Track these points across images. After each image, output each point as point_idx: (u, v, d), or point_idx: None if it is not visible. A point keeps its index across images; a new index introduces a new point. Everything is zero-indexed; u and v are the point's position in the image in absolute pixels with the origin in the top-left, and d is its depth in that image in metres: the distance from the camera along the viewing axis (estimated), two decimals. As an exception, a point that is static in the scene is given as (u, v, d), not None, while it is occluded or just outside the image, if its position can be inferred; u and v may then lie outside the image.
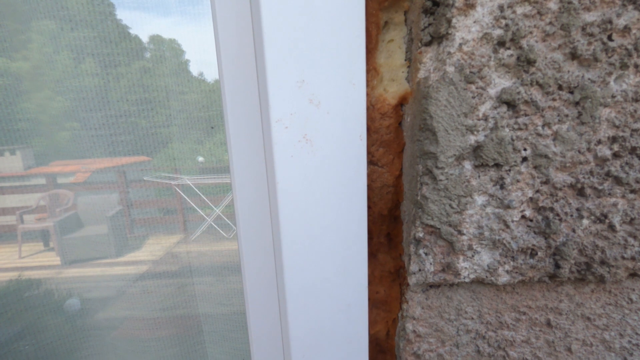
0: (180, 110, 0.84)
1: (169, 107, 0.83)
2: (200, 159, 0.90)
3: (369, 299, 0.53)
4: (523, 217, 0.43)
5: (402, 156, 0.48)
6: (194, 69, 0.83)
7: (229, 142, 0.49)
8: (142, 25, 0.77)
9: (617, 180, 0.41)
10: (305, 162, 0.42)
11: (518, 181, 0.42)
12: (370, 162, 0.47)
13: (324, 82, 0.40)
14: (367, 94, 0.45)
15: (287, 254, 0.44)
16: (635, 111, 0.39)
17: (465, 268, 0.45)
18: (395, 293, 0.53)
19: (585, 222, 0.43)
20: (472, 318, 0.50)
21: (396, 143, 0.47)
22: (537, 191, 0.42)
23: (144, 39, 0.80)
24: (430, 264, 0.45)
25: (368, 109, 0.45)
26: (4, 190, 0.83)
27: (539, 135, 0.40)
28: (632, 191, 0.41)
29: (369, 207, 0.49)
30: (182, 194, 0.96)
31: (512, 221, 0.43)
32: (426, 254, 0.45)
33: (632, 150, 0.40)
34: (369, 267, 0.52)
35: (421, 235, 0.44)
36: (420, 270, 0.46)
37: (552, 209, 0.43)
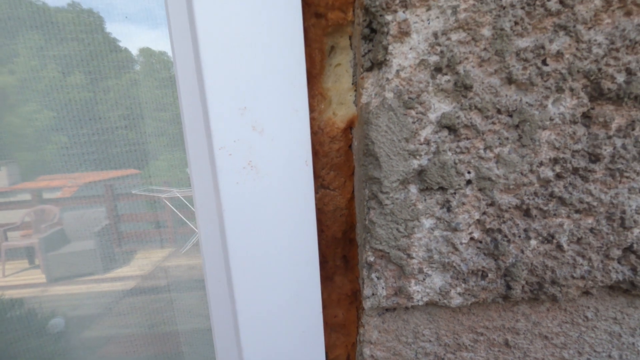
0: (170, 122, 0.83)
1: (158, 119, 0.82)
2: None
3: (327, 323, 0.52)
4: (472, 239, 0.43)
5: (354, 179, 0.47)
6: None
7: (189, 165, 0.48)
8: (132, 38, 0.77)
9: (562, 201, 0.41)
10: (251, 189, 0.42)
11: (464, 204, 0.41)
12: (322, 185, 0.47)
13: (266, 109, 0.40)
14: (315, 118, 0.45)
15: (237, 282, 0.43)
16: (574, 133, 0.40)
17: (418, 291, 0.45)
18: (354, 316, 0.52)
19: (533, 242, 0.43)
20: (430, 340, 0.49)
21: (347, 166, 0.47)
22: (484, 213, 0.42)
23: (134, 51, 0.79)
24: (383, 288, 0.45)
25: (317, 132, 0.45)
26: None
27: (481, 158, 0.40)
28: (577, 211, 0.42)
29: (322, 231, 0.48)
30: (172, 206, 0.94)
31: (461, 243, 0.43)
32: (378, 277, 0.45)
33: (574, 170, 0.41)
34: (326, 291, 0.51)
35: (372, 259, 0.44)
36: (373, 294, 0.46)
37: (499, 230, 0.43)
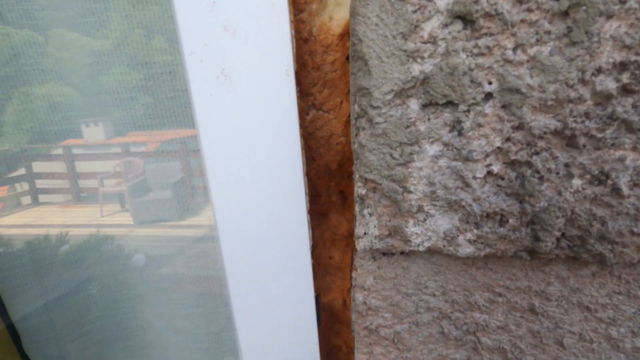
0: None
1: None
2: None
3: (321, 264, 0.48)
4: (489, 173, 0.34)
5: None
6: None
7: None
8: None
9: (627, 126, 0.30)
10: (226, 102, 0.37)
11: (481, 126, 0.32)
12: (313, 105, 0.40)
13: (237, 3, 0.34)
14: (304, 21, 0.37)
15: (218, 204, 0.41)
16: (659, 23, 0.27)
17: (417, 234, 0.37)
18: (350, 259, 0.47)
19: (577, 182, 0.32)
20: (435, 295, 0.42)
21: (343, 83, 0.39)
22: (508, 139, 0.32)
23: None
24: (375, 226, 0.38)
25: (307, 40, 0.38)
26: (89, 157, 0.95)
27: (508, 62, 0.30)
28: (649, 141, 0.30)
29: (313, 159, 0.42)
30: None
31: (474, 178, 0.34)
32: (370, 214, 0.38)
33: (652, 82, 0.28)
34: (319, 228, 0.46)
35: (363, 192, 0.37)
36: (365, 234, 0.40)
37: (529, 164, 0.33)
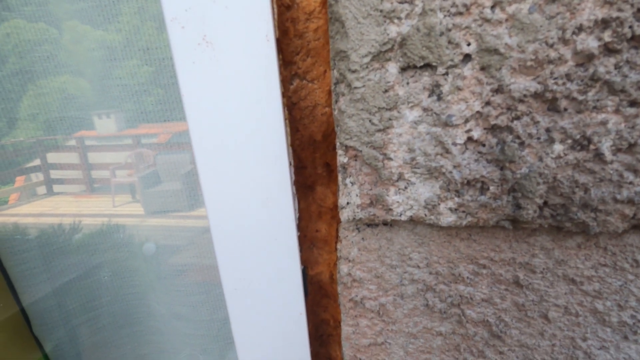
0: None
1: None
2: None
3: (308, 237, 0.48)
4: (470, 139, 0.33)
5: (335, 68, 0.40)
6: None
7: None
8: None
9: (609, 87, 0.29)
10: (208, 69, 0.37)
11: (460, 89, 0.32)
12: (297, 75, 0.40)
13: (216, -33, 0.34)
14: (286, -12, 0.37)
15: (203, 174, 0.41)
16: (642, -23, 0.26)
17: (398, 202, 0.37)
18: (336, 231, 0.47)
19: (559, 147, 0.32)
20: (419, 266, 0.42)
21: (326, 51, 0.39)
22: (488, 103, 0.32)
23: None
24: (357, 195, 0.38)
25: (290, 7, 0.38)
26: (101, 148, 0.98)
27: (487, 21, 0.29)
28: (632, 103, 0.29)
29: (298, 130, 0.42)
30: None
31: (454, 144, 0.33)
32: (352, 183, 0.38)
33: (633, 39, 0.27)
34: (305, 201, 0.46)
35: (345, 160, 0.37)
36: (348, 203, 0.40)
37: (509, 129, 0.32)
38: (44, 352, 1.08)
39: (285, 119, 0.39)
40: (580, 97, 0.30)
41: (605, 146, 0.31)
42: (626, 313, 0.39)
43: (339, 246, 0.44)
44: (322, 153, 0.43)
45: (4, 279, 0.96)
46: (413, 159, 0.35)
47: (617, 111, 0.29)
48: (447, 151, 0.34)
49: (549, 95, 0.30)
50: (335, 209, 0.46)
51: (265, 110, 0.38)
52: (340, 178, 0.39)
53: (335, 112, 0.35)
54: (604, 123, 0.30)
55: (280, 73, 0.38)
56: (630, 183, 0.31)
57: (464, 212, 0.36)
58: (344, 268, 0.44)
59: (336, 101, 0.35)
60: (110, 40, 0.74)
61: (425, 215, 0.37)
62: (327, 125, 0.42)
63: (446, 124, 0.33)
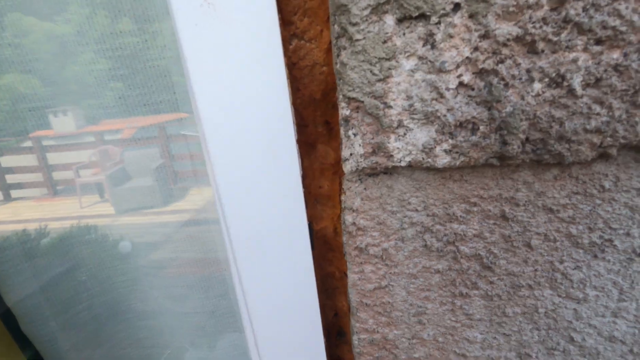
0: None
1: None
2: None
3: (312, 194, 0.51)
4: (461, 84, 0.37)
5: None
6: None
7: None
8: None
9: (578, 27, 0.33)
10: (211, 32, 0.38)
11: (451, 36, 0.35)
12: (295, 35, 0.42)
13: None
14: (282, -51, 0.39)
15: (210, 137, 0.42)
16: None
17: (398, 148, 0.41)
18: (338, 186, 0.50)
19: (538, 86, 0.36)
20: (417, 210, 0.46)
21: (322, 10, 0.41)
22: (476, 49, 0.35)
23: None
24: (360, 145, 0.41)
25: (286, -32, 0.39)
26: (61, 148, 0.92)
27: (474, -29, 0.32)
28: (598, 41, 0.34)
29: (298, 89, 0.44)
30: None
31: (447, 89, 0.37)
32: (355, 134, 0.41)
33: (599, -16, 0.32)
34: (308, 159, 0.49)
35: (347, 112, 0.40)
36: (351, 154, 0.43)
37: (495, 72, 0.36)
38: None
39: (287, 78, 0.41)
40: (555, 39, 0.34)
41: (577, 82, 0.35)
42: (595, 234, 0.45)
43: (343, 198, 0.47)
44: (322, 111, 0.46)
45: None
46: (411, 105, 0.38)
47: (585, 49, 0.34)
48: (442, 96, 0.37)
49: (528, 38, 0.34)
50: (336, 164, 0.49)
51: (268, 70, 0.40)
52: (342, 131, 0.42)
53: (337, 66, 0.38)
54: (575, 61, 0.34)
55: (280, 33, 0.40)
56: (597, 114, 0.36)
57: (457, 152, 0.40)
58: (348, 218, 0.48)
59: (338, 55, 0.37)
60: (59, 32, 0.70)
61: (423, 159, 0.41)
62: (326, 84, 0.45)
63: (440, 70, 0.36)
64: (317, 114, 0.46)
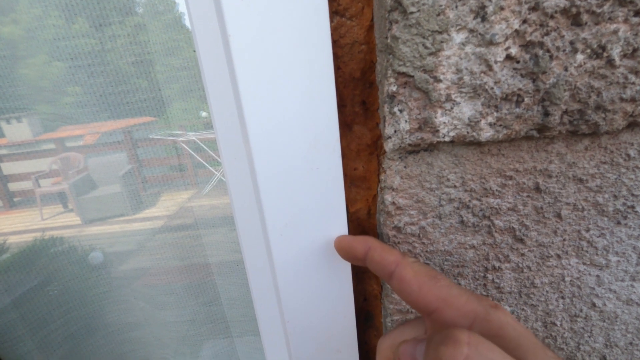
0: (180, 68, 0.80)
1: (168, 64, 0.80)
2: (204, 113, 0.89)
3: (347, 175, 0.50)
4: (508, 57, 0.38)
5: (373, 3, 0.42)
6: (188, 22, 0.78)
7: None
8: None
9: (620, 0, 0.35)
10: (257, 7, 0.37)
11: (502, 9, 0.36)
12: (337, 12, 0.42)
13: None
14: None
15: (249, 115, 0.41)
16: None
17: (444, 123, 0.41)
18: (374, 167, 0.50)
19: (580, 57, 0.38)
20: (455, 186, 0.47)
21: (365, -13, 0.41)
22: (525, 21, 0.36)
23: (134, -7, 0.73)
24: (406, 121, 0.42)
25: (329, -57, 0.39)
26: (17, 157, 0.85)
27: (527, -57, 0.33)
28: (636, 13, 0.36)
29: (339, 68, 0.44)
30: (189, 149, 0.96)
31: (496, 62, 0.38)
32: (401, 110, 0.41)
33: (640, -43, 0.34)
34: (344, 140, 0.48)
35: (394, 88, 0.40)
36: (395, 132, 0.43)
37: (541, 44, 0.37)
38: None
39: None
40: (598, 10, 0.36)
41: (615, 52, 0.37)
42: (619, 202, 0.47)
43: (382, 177, 0.47)
44: (360, 90, 0.46)
45: None
46: (460, 78, 0.39)
47: (625, 20, 0.36)
48: (490, 68, 0.38)
49: (574, 10, 0.36)
50: (372, 145, 0.49)
51: (316, 48, 0.39)
52: (386, 109, 0.42)
53: (388, 40, 0.38)
54: (615, 32, 0.36)
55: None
56: (632, 83, 0.38)
57: (501, 125, 0.41)
58: (388, 197, 0.48)
59: (389, 29, 0.37)
60: (6, 33, 0.66)
61: (468, 132, 0.42)
62: (365, 62, 0.45)
63: (490, 43, 0.37)
64: (355, 93, 0.45)
